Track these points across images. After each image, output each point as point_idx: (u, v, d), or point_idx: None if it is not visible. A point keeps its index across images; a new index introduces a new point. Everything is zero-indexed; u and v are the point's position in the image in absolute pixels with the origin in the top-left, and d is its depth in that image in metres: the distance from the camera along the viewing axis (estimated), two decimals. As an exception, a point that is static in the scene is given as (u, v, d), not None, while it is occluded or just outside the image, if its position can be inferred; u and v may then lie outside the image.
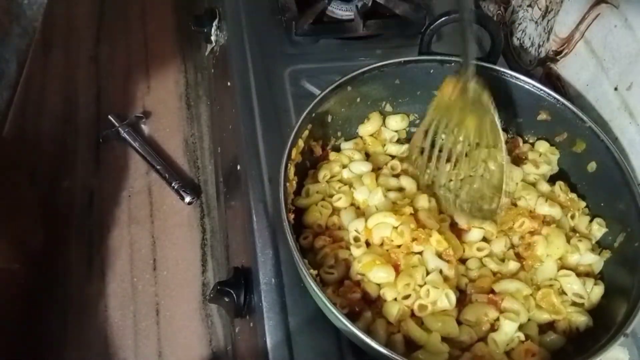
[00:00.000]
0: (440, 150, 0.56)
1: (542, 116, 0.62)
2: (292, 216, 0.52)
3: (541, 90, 0.61)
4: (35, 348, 0.72)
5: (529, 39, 0.78)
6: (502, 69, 0.62)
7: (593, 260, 0.55)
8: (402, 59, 0.62)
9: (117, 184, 0.89)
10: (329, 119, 0.61)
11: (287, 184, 0.53)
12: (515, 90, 0.62)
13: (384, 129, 0.66)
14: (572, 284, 0.53)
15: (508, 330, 0.50)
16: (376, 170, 0.61)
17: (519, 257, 0.56)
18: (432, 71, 0.63)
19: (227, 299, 0.59)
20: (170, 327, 0.76)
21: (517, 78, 0.62)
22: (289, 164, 0.53)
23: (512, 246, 0.57)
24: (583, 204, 0.59)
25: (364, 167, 0.61)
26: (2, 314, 0.66)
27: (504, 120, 0.66)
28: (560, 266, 0.55)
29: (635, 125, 0.60)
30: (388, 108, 0.66)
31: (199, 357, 0.74)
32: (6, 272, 0.63)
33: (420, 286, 0.51)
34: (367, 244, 0.55)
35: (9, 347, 0.68)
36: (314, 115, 0.58)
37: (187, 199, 0.86)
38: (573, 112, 0.59)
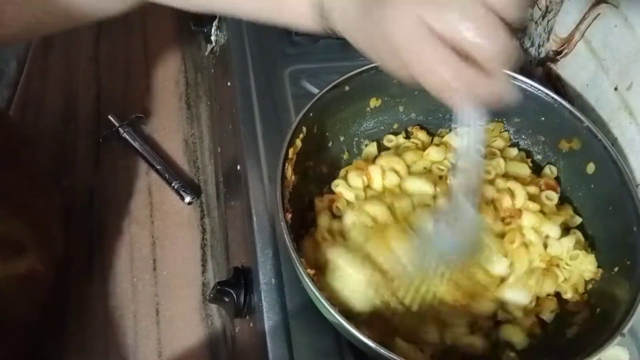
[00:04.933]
0: None
1: (541, 117, 0.62)
2: (289, 216, 0.52)
3: (539, 90, 0.61)
4: (35, 348, 0.72)
5: (529, 39, 0.78)
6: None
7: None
8: (401, 59, 0.62)
9: (117, 184, 0.89)
10: (328, 117, 0.61)
11: (285, 184, 0.53)
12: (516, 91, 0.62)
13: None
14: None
15: None
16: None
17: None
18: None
19: (227, 299, 0.59)
20: (170, 327, 0.76)
21: (514, 78, 0.62)
22: (286, 164, 0.54)
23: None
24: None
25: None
26: (26, 318, 0.66)
27: (503, 121, 0.66)
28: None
29: (635, 125, 0.60)
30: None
31: (199, 357, 0.74)
32: (32, 274, 0.63)
33: None
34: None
35: (28, 349, 0.68)
36: (311, 115, 0.58)
37: (187, 199, 0.86)
38: (571, 112, 0.59)
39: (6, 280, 0.60)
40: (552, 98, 0.60)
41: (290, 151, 0.55)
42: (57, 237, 0.73)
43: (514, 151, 0.65)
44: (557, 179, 0.63)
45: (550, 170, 0.63)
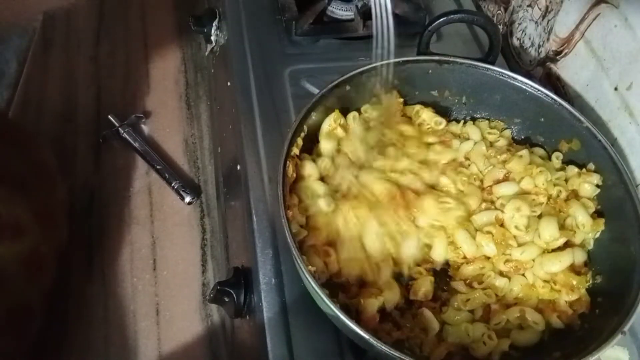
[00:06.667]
0: None
1: (540, 118, 0.62)
2: (290, 213, 0.52)
3: (538, 90, 0.61)
4: (34, 348, 0.72)
5: (529, 39, 0.78)
6: (499, 69, 0.62)
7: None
8: (400, 59, 0.62)
9: (117, 184, 0.89)
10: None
11: (286, 182, 0.53)
12: (513, 91, 0.62)
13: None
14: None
15: None
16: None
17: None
18: (430, 71, 0.63)
19: (227, 299, 0.59)
20: (170, 327, 0.76)
21: (514, 78, 0.62)
22: (287, 162, 0.54)
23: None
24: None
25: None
26: (31, 306, 0.67)
27: (504, 121, 0.66)
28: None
29: (635, 125, 0.60)
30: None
31: (199, 357, 0.74)
32: (35, 255, 0.64)
33: None
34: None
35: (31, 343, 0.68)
36: (312, 114, 0.58)
37: (187, 199, 0.86)
38: (570, 112, 0.59)
39: (11, 260, 0.61)
40: (552, 99, 0.60)
41: (292, 150, 0.55)
42: (59, 223, 0.74)
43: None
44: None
45: (556, 159, 0.63)
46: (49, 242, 0.67)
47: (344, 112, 0.63)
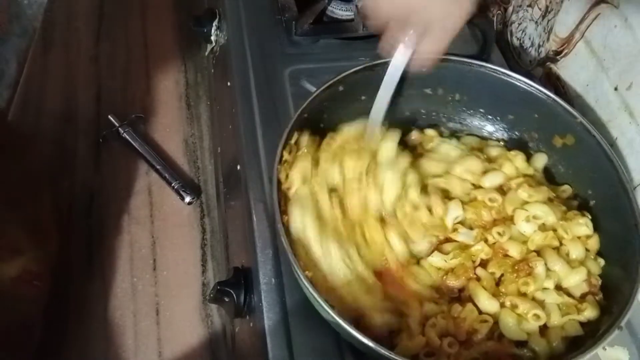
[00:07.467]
0: None
1: (534, 114, 0.62)
2: (286, 218, 0.52)
3: (531, 86, 0.61)
4: (36, 348, 0.72)
5: (529, 39, 0.78)
6: (492, 66, 0.62)
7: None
8: (394, 58, 0.62)
9: (117, 184, 0.89)
10: (323, 118, 0.61)
11: (280, 187, 0.53)
12: (507, 87, 0.62)
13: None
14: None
15: None
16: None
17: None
18: (424, 70, 0.63)
19: (227, 299, 0.59)
20: (170, 327, 0.76)
21: (507, 75, 0.62)
22: (280, 166, 0.54)
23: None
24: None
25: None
26: (29, 320, 0.67)
27: (497, 116, 0.66)
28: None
29: (636, 125, 0.60)
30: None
31: (199, 357, 0.74)
32: (26, 275, 0.64)
33: None
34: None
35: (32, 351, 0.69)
36: (306, 115, 0.58)
37: (187, 199, 0.86)
38: (564, 107, 0.59)
39: (7, 281, 0.60)
40: (545, 94, 0.60)
41: (284, 153, 0.55)
42: (51, 237, 0.73)
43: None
44: (550, 173, 0.63)
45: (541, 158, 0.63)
46: (41, 258, 0.67)
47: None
